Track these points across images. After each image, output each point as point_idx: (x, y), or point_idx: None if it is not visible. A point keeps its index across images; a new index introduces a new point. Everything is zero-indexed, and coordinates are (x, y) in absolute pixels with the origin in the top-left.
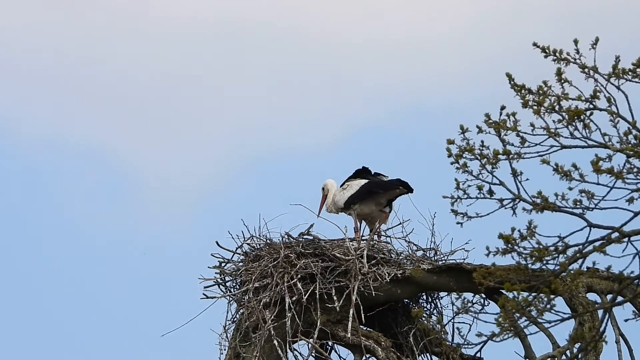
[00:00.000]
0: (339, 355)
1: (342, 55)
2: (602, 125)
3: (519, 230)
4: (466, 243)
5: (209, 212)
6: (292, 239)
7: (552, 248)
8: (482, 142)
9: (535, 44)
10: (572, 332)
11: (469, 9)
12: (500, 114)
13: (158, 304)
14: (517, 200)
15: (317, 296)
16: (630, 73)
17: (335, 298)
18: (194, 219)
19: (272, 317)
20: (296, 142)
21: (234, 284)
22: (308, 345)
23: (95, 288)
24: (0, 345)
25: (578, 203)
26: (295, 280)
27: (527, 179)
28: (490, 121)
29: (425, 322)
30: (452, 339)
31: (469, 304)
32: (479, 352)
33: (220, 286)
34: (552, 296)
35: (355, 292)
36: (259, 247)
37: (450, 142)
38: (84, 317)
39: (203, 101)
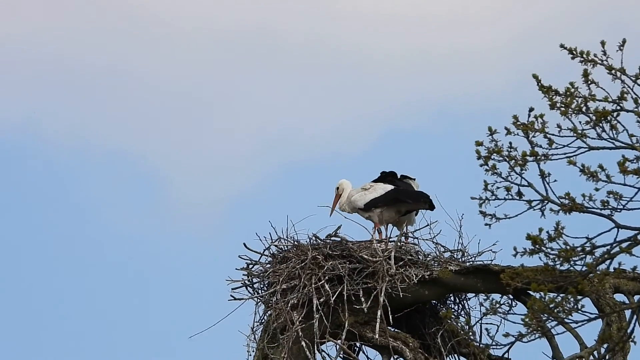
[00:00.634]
0: (366, 357)
1: (374, 60)
2: (629, 126)
3: (546, 231)
4: (494, 244)
5: (237, 214)
6: (319, 241)
7: (579, 249)
8: (510, 143)
9: (562, 46)
10: (600, 333)
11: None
12: (529, 116)
13: (186, 305)
14: (546, 201)
15: (345, 297)
16: None
17: (362, 299)
18: (221, 221)
19: (300, 318)
20: (324, 145)
21: (262, 286)
22: (336, 346)
23: (123, 290)
24: (29, 340)
25: (605, 204)
26: (323, 281)
27: (555, 180)
28: (519, 123)
29: (453, 323)
30: (480, 340)
31: (497, 305)
32: (506, 353)
33: (248, 288)
34: (579, 297)
35: (382, 294)
36: (286, 248)
37: (479, 143)
38: (112, 318)
39: (232, 104)
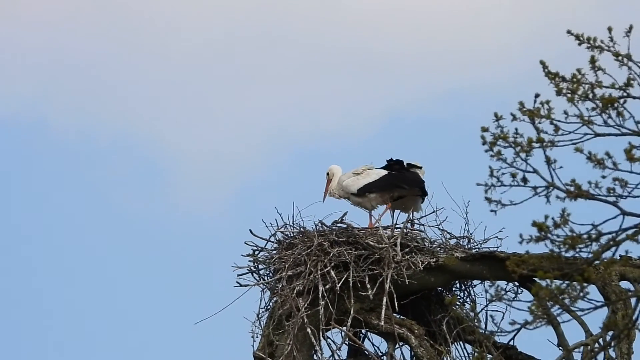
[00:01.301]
0: (372, 343)
1: (381, 53)
2: (635, 113)
3: (552, 218)
4: (499, 231)
5: (243, 201)
6: (325, 227)
7: (585, 236)
8: (516, 129)
9: (569, 32)
10: (605, 320)
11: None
12: (535, 102)
13: (191, 291)
14: (551, 188)
15: (351, 284)
16: None
17: (368, 286)
18: (227, 207)
19: (306, 305)
20: (330, 133)
21: (268, 272)
22: (341, 333)
23: (128, 276)
24: (36, 322)
25: (611, 191)
26: (329, 268)
27: (561, 167)
28: (524, 109)
29: (459, 310)
30: (485, 327)
31: (502, 292)
32: (512, 340)
33: (254, 274)
34: (585, 284)
35: (388, 280)
36: (292, 235)
37: (485, 129)
38: (117, 304)
39: (240, 93)
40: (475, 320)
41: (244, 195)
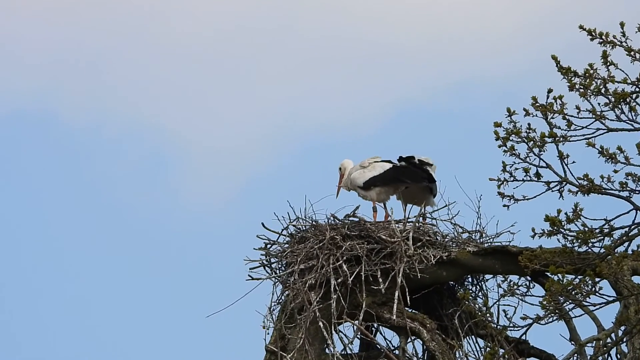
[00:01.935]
0: (384, 337)
1: (389, 46)
2: None
3: (565, 213)
4: (512, 225)
5: (255, 194)
6: (337, 221)
7: (598, 231)
8: (529, 124)
9: (581, 27)
10: (618, 315)
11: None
12: (547, 97)
13: (203, 285)
14: (564, 182)
15: (363, 278)
16: None
17: (380, 280)
18: (240, 200)
19: (318, 298)
20: (342, 125)
21: (280, 266)
22: (353, 327)
23: (140, 269)
24: (41, 313)
25: (624, 186)
26: (341, 262)
27: (574, 162)
28: (537, 104)
29: (471, 304)
30: (498, 321)
31: (515, 287)
32: (524, 335)
33: (266, 268)
34: (597, 279)
35: (400, 274)
36: (304, 228)
37: (498, 124)
38: (127, 297)
39: (252, 87)
40: (487, 315)
41: (252, 188)
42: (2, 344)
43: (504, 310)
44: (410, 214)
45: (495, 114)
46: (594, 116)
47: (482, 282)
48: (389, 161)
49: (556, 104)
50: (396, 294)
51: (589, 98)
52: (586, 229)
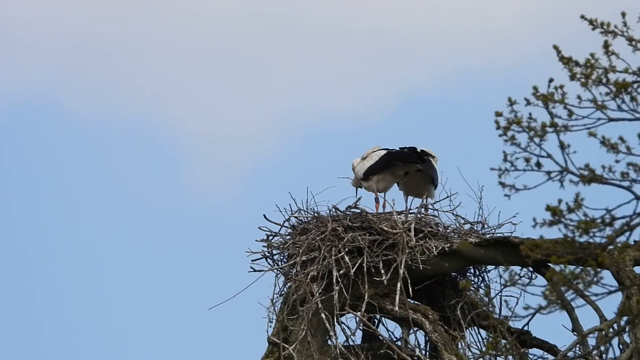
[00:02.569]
0: (386, 329)
1: (395, 35)
2: None
3: (566, 203)
4: (513, 216)
5: (257, 186)
6: (339, 212)
7: (599, 221)
8: (530, 114)
9: (583, 17)
10: (620, 305)
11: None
12: (548, 87)
13: (205, 277)
14: (565, 172)
15: (365, 269)
16: None
17: (382, 271)
18: (241, 192)
19: (320, 290)
20: (344, 116)
21: (282, 257)
22: (356, 318)
23: (142, 261)
24: (47, 304)
25: (625, 175)
26: (343, 253)
27: (575, 152)
28: (538, 94)
29: (473, 295)
30: (500, 312)
31: (517, 277)
32: (526, 325)
33: (268, 259)
34: (599, 269)
35: (402, 266)
36: (306, 220)
37: (499, 114)
38: (130, 289)
39: (255, 77)
40: (490, 306)
41: (257, 179)
42: (3, 333)
43: (506, 301)
44: (412, 205)
45: (499, 102)
46: (595, 106)
47: (484, 273)
48: (387, 149)
49: (557, 93)
50: (398, 286)
51: (590, 88)
52: (587, 218)
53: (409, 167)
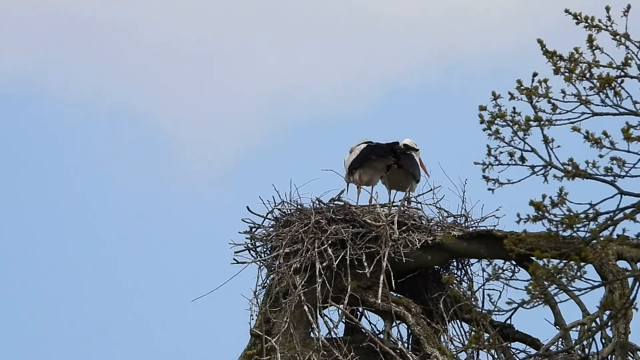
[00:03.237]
0: (369, 322)
1: (379, 20)
2: (633, 92)
3: (550, 197)
4: (497, 210)
5: (240, 178)
6: (322, 205)
7: (582, 215)
8: (514, 108)
9: (567, 11)
10: (603, 300)
11: None
12: (532, 81)
13: (188, 268)
14: (549, 167)
15: (348, 262)
16: None
17: (365, 264)
18: (224, 184)
19: (303, 282)
20: (327, 105)
21: (265, 249)
22: (338, 311)
23: (125, 252)
24: (36, 298)
25: (609, 170)
26: (326, 245)
27: (559, 146)
28: (522, 88)
29: (456, 288)
30: (483, 306)
31: (500, 271)
32: (509, 319)
33: (251, 251)
34: (582, 264)
35: (385, 258)
36: (289, 212)
37: (482, 108)
38: (113, 280)
39: (235, 63)
40: (472, 299)
41: (241, 172)
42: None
43: (488, 295)
44: (395, 198)
45: (484, 93)
46: (579, 100)
47: (467, 267)
48: (371, 143)
49: (541, 87)
50: (381, 278)
51: (574, 82)
52: (571, 213)
53: (383, 161)
